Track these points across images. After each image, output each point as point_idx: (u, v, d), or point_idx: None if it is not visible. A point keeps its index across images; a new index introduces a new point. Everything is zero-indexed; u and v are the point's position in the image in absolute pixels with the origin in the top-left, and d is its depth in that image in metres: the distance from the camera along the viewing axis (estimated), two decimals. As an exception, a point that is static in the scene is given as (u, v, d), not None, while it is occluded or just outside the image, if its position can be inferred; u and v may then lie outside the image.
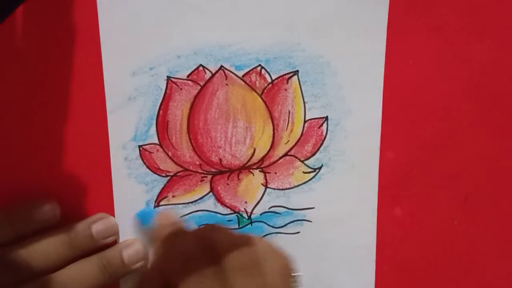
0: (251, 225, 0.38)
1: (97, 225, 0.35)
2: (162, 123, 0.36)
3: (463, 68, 0.38)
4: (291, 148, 0.37)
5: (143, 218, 0.36)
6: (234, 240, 0.32)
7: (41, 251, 0.33)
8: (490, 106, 0.39)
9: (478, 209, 0.40)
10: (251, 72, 0.35)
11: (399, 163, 0.39)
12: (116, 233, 0.36)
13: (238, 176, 0.37)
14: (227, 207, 0.38)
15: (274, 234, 0.39)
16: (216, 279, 0.30)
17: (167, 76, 0.35)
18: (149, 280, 0.34)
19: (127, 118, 0.35)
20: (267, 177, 0.37)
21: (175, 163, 0.36)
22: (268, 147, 0.37)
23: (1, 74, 0.34)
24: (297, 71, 0.36)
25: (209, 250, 0.31)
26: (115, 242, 0.36)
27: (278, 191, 0.38)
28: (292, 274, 0.32)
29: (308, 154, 0.37)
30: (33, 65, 0.34)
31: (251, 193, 0.38)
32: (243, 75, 0.35)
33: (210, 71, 0.35)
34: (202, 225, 0.37)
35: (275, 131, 0.36)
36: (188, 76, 0.35)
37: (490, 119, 0.39)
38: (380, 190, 0.39)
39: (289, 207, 0.38)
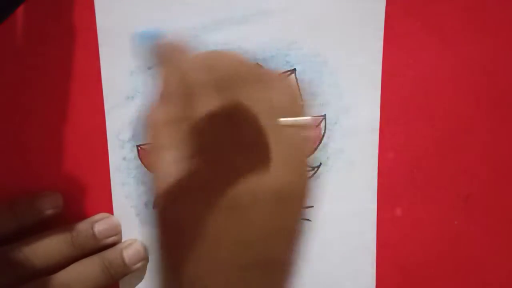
0: (250, 224, 0.38)
1: (99, 224, 0.35)
2: (160, 123, 0.36)
3: (463, 68, 0.38)
4: (289, 147, 0.37)
5: (144, 40, 0.34)
6: (239, 59, 0.28)
7: (43, 249, 0.34)
8: (490, 106, 0.38)
9: (479, 210, 0.40)
10: (248, 70, 0.35)
11: (399, 163, 0.38)
12: (118, 232, 0.36)
13: (236, 175, 0.37)
14: (226, 206, 0.37)
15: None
16: (219, 94, 0.27)
17: (165, 75, 0.35)
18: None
19: (126, 118, 0.35)
20: (265, 176, 0.37)
21: (174, 162, 0.36)
22: (266, 146, 0.37)
23: (1, 74, 0.34)
24: (294, 69, 0.36)
25: (212, 67, 0.28)
26: (117, 242, 0.37)
27: (276, 189, 0.37)
28: (297, 98, 0.29)
29: (306, 152, 0.37)
30: (32, 65, 0.34)
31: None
32: (241, 74, 0.35)
33: (208, 70, 0.35)
34: None
35: (273, 129, 0.36)
36: (185, 75, 0.35)
37: (490, 119, 0.39)
38: (380, 190, 0.38)
39: (287, 206, 0.38)
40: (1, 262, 0.33)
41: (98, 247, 0.35)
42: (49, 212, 0.34)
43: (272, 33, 0.35)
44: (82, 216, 0.36)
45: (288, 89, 0.28)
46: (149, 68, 0.35)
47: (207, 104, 0.27)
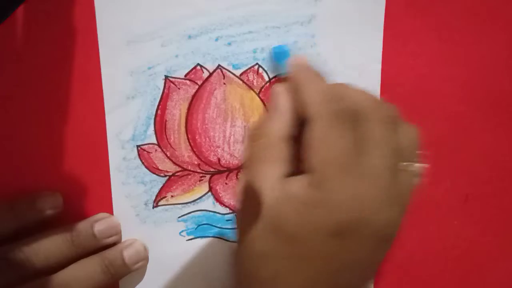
0: (250, 225, 0.38)
1: (99, 224, 0.35)
2: (160, 123, 0.36)
3: (463, 68, 0.38)
4: (289, 147, 0.37)
5: (278, 55, 0.35)
6: (374, 97, 0.30)
7: (43, 249, 0.34)
8: (490, 106, 0.38)
9: (478, 210, 0.40)
10: (248, 71, 0.35)
11: (399, 163, 0.38)
12: (118, 232, 0.36)
13: (236, 175, 0.37)
14: (226, 206, 0.38)
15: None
16: (353, 124, 0.28)
17: (165, 76, 0.35)
18: (281, 115, 0.31)
19: (126, 118, 0.35)
20: (265, 176, 0.37)
21: (174, 163, 0.36)
22: (266, 146, 0.37)
23: (1, 74, 0.34)
24: (294, 69, 0.36)
25: (346, 100, 0.29)
26: (117, 242, 0.37)
27: (276, 190, 0.37)
28: (418, 146, 0.30)
29: (306, 153, 0.37)
30: (32, 65, 0.34)
31: (250, 192, 0.37)
32: (241, 74, 0.35)
33: (208, 70, 0.35)
34: None
35: (273, 130, 0.36)
36: (185, 75, 0.35)
37: (490, 119, 0.39)
38: (380, 190, 0.38)
39: (287, 206, 0.38)
40: (1, 262, 0.33)
41: (98, 247, 0.35)
42: (49, 212, 0.34)
43: (272, 33, 0.35)
44: (82, 216, 0.36)
45: (411, 135, 0.30)
46: (276, 83, 0.35)
47: (333, 132, 0.28)
